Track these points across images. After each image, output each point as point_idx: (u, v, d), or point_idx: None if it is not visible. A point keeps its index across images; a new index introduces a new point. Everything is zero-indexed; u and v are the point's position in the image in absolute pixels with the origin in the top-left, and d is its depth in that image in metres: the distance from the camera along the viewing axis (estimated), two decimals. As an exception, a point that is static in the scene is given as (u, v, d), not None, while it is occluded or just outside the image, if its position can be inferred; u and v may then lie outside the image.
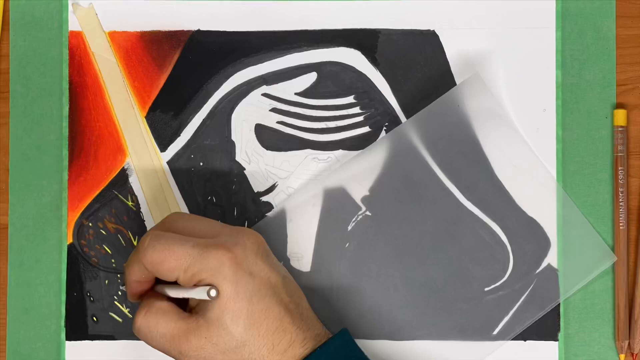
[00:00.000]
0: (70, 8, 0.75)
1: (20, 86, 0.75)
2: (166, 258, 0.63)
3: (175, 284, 0.65)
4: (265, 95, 0.75)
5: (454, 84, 0.75)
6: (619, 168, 0.73)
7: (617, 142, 0.73)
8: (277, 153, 0.75)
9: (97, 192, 0.75)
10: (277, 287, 0.64)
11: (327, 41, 0.75)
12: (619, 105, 0.74)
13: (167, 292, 0.66)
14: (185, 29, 0.75)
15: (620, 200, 0.73)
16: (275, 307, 0.63)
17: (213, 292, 0.61)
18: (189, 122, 0.75)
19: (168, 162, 0.75)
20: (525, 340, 0.73)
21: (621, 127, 0.73)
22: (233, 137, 0.75)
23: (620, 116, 0.73)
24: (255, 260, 0.64)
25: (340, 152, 0.75)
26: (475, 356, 0.73)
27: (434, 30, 0.75)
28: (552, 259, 0.74)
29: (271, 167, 0.75)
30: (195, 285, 0.63)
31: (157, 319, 0.64)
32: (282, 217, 0.74)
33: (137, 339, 0.73)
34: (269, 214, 0.74)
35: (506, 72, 0.75)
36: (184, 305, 0.66)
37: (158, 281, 0.67)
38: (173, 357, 0.65)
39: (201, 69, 0.75)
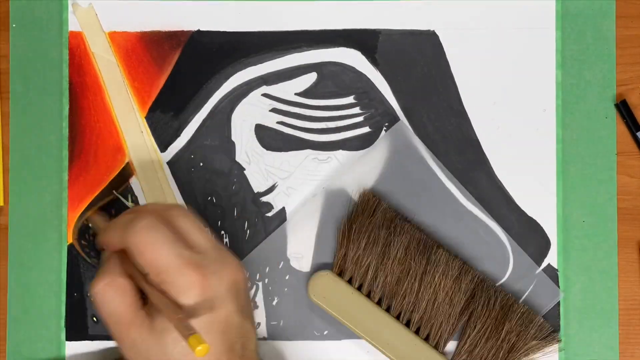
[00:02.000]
0: (70, 8, 0.75)
1: (20, 86, 0.75)
2: (148, 252, 0.62)
3: None
4: (265, 95, 0.75)
5: (454, 84, 0.75)
6: None
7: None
8: (277, 153, 0.75)
9: (97, 192, 0.75)
10: (231, 327, 0.63)
11: (327, 41, 0.75)
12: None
13: (144, 286, 0.64)
14: (185, 29, 0.75)
15: None
16: (219, 345, 0.62)
17: (200, 349, 0.59)
18: (189, 122, 0.75)
19: (168, 162, 0.75)
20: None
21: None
22: (233, 137, 0.75)
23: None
24: (224, 296, 0.63)
25: (340, 152, 0.75)
26: (475, 356, 0.73)
27: (434, 31, 0.75)
28: (552, 259, 0.74)
29: (271, 167, 0.75)
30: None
31: (114, 296, 0.63)
32: (282, 217, 0.74)
33: (137, 339, 0.73)
34: (268, 214, 0.74)
35: (506, 72, 0.75)
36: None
37: None
38: (112, 335, 0.64)
39: (201, 69, 0.75)
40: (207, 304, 0.62)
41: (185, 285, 0.62)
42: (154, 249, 0.62)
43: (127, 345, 0.63)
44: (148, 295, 0.63)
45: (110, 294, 0.63)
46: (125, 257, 0.65)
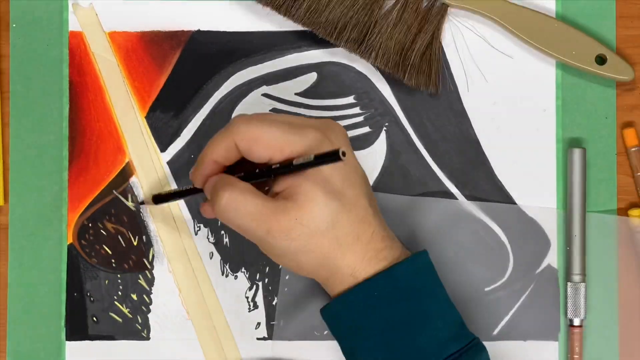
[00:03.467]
0: (70, 8, 0.75)
1: (20, 86, 0.75)
2: (262, 135, 0.61)
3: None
4: (266, 95, 0.75)
5: (454, 84, 0.75)
6: None
7: (634, 163, 0.73)
8: (277, 153, 0.75)
9: (97, 192, 0.75)
10: (363, 177, 0.64)
11: (327, 41, 0.75)
12: (626, 124, 0.74)
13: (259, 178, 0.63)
14: (185, 29, 0.75)
15: None
16: (363, 198, 0.63)
17: (342, 151, 0.57)
18: (189, 122, 0.75)
19: (168, 162, 0.75)
20: (525, 340, 0.73)
21: (635, 147, 0.73)
22: (233, 137, 0.75)
23: (631, 135, 0.73)
24: (347, 147, 0.63)
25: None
26: (475, 356, 0.73)
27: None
28: (552, 259, 0.74)
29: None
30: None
31: (244, 196, 0.61)
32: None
33: (137, 339, 0.73)
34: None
35: (506, 72, 0.75)
36: None
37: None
38: (256, 238, 0.62)
39: (201, 69, 0.75)
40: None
41: (314, 143, 0.61)
42: (267, 129, 0.62)
43: (283, 236, 0.61)
44: (281, 175, 0.62)
45: (241, 197, 0.61)
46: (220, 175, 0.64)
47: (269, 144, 0.62)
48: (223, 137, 0.63)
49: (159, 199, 0.72)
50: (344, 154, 0.57)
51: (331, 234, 0.62)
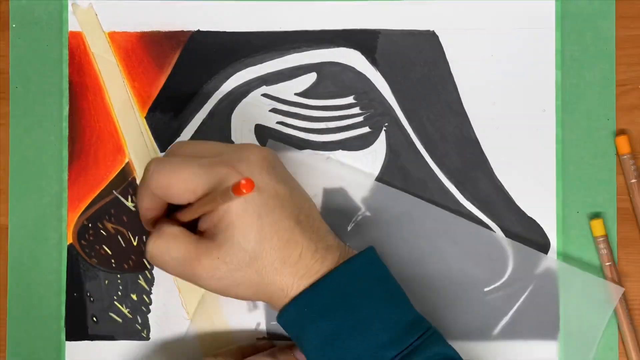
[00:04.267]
0: (70, 8, 0.75)
1: (20, 86, 0.75)
2: (173, 181, 0.63)
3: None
4: (265, 95, 0.75)
5: (454, 84, 0.75)
6: (614, 278, 0.73)
7: (602, 252, 0.73)
8: (277, 153, 0.75)
9: (97, 193, 0.75)
10: (284, 199, 0.64)
11: (327, 41, 0.75)
12: (619, 132, 0.74)
13: (179, 218, 0.66)
14: (185, 29, 0.75)
15: None
16: (285, 220, 0.63)
17: (244, 183, 0.58)
18: (189, 123, 0.75)
19: (168, 162, 0.75)
20: (525, 340, 0.73)
21: (602, 237, 0.73)
22: (233, 138, 0.75)
23: (598, 226, 0.73)
24: (261, 175, 0.63)
25: (340, 152, 0.75)
26: (476, 356, 0.73)
27: (433, 31, 0.75)
28: (552, 259, 0.74)
29: (271, 167, 0.74)
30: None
31: (167, 243, 0.64)
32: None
33: (137, 339, 0.73)
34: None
35: (506, 72, 0.75)
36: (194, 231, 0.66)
37: (173, 209, 0.67)
38: (187, 280, 0.64)
39: (201, 69, 0.75)
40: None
41: (222, 183, 0.62)
42: (176, 174, 0.63)
43: (208, 276, 0.63)
44: (203, 212, 0.63)
45: (164, 244, 0.64)
46: (172, 215, 0.66)
47: (180, 189, 0.63)
48: (142, 188, 0.65)
49: None
50: (248, 181, 0.57)
51: (256, 265, 0.63)
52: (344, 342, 0.62)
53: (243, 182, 0.57)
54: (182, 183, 0.63)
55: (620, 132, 0.74)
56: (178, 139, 0.75)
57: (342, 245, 0.66)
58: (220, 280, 0.63)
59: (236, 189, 0.57)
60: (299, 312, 0.63)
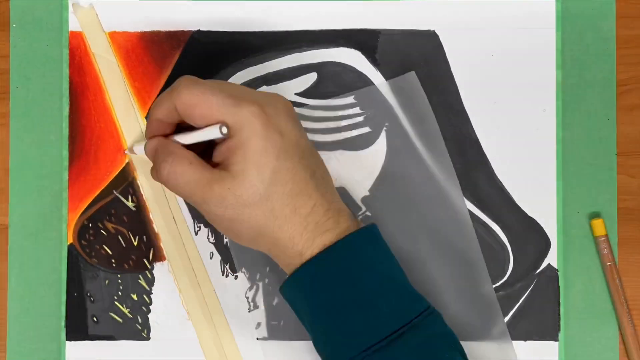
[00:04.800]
0: (70, 8, 0.75)
1: (20, 86, 0.75)
2: (200, 102, 0.63)
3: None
4: (266, 95, 0.75)
5: (454, 84, 0.75)
6: (615, 278, 0.73)
7: (603, 252, 0.73)
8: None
9: (97, 193, 0.75)
10: (305, 151, 0.64)
11: (327, 41, 0.75)
12: (594, 215, 0.74)
13: (181, 141, 0.66)
14: (185, 29, 0.75)
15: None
16: (301, 171, 0.63)
17: (224, 129, 0.61)
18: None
19: (168, 162, 0.75)
20: (525, 340, 0.73)
21: (602, 236, 0.73)
22: (233, 137, 0.75)
23: (599, 226, 0.73)
24: (287, 121, 0.64)
25: (340, 152, 0.75)
26: (476, 356, 0.73)
27: (434, 31, 0.75)
28: (552, 259, 0.74)
29: (271, 167, 0.74)
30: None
31: (183, 167, 0.63)
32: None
33: (137, 339, 0.73)
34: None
35: (506, 72, 0.75)
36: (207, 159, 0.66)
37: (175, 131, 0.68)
38: (195, 204, 0.65)
39: (201, 69, 0.75)
40: (276, 130, 0.62)
41: (248, 118, 0.62)
42: (206, 97, 0.63)
43: (217, 203, 0.63)
44: (205, 139, 0.64)
45: (181, 166, 0.64)
46: (165, 138, 0.66)
47: (204, 113, 0.63)
48: (166, 98, 0.65)
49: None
50: (226, 129, 0.61)
51: (265, 206, 0.63)
52: (347, 314, 0.62)
53: (223, 130, 0.60)
54: (208, 108, 0.63)
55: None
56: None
57: (351, 213, 0.66)
58: (227, 210, 0.63)
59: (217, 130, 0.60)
60: (312, 277, 0.63)
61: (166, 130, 0.67)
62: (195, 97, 0.63)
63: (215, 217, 0.64)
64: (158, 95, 0.75)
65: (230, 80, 0.75)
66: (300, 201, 0.63)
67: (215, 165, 0.65)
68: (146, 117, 0.74)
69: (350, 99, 0.75)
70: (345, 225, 0.64)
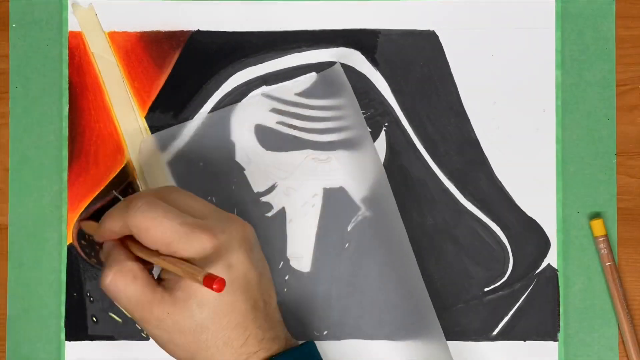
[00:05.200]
0: (70, 8, 0.75)
1: (20, 86, 0.75)
2: (153, 228, 0.63)
3: None
4: (265, 95, 0.75)
5: (454, 84, 0.75)
6: (615, 278, 0.73)
7: (602, 252, 0.73)
8: (277, 153, 0.75)
9: (97, 192, 0.75)
10: (251, 283, 0.64)
11: (327, 41, 0.75)
12: (595, 214, 0.74)
13: (134, 251, 0.65)
14: (185, 29, 0.75)
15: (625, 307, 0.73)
16: (242, 304, 0.63)
17: (200, 278, 0.60)
18: (189, 123, 0.75)
19: (168, 162, 0.75)
20: (525, 341, 0.73)
21: (602, 236, 0.73)
22: (233, 138, 0.75)
23: (599, 226, 0.73)
24: (238, 253, 0.63)
25: (340, 152, 0.75)
26: (475, 356, 0.73)
27: (434, 31, 0.75)
28: (552, 259, 0.74)
29: (271, 168, 0.75)
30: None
31: (126, 282, 0.64)
32: (282, 217, 0.74)
33: (137, 339, 0.73)
34: (268, 214, 0.74)
35: (506, 72, 0.75)
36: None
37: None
38: (134, 319, 0.65)
39: (201, 69, 0.75)
40: (224, 263, 0.62)
41: (199, 248, 0.62)
42: (159, 223, 0.63)
43: (154, 325, 0.63)
44: (164, 267, 0.63)
45: (123, 280, 0.64)
46: (127, 243, 0.66)
47: (156, 238, 0.63)
48: (120, 214, 0.65)
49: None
50: (220, 283, 0.59)
51: (198, 337, 0.63)
52: None
53: (217, 279, 0.59)
54: (160, 233, 0.63)
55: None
56: (178, 139, 0.75)
57: (289, 338, 0.66)
58: (163, 333, 0.63)
59: (207, 282, 0.59)
60: None
61: (117, 237, 0.67)
62: (148, 222, 0.63)
63: (151, 334, 0.64)
64: (156, 99, 0.75)
65: (230, 80, 0.75)
66: (235, 334, 0.63)
67: (160, 278, 0.65)
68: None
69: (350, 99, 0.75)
70: (276, 348, 0.64)
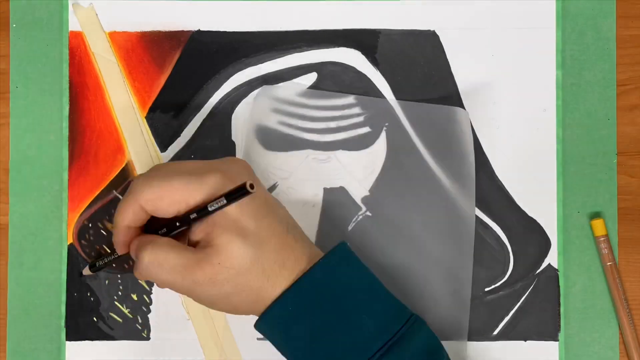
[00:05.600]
0: (70, 8, 0.75)
1: (20, 86, 0.75)
2: (165, 192, 0.62)
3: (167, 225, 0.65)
4: (266, 95, 0.75)
5: (454, 84, 0.75)
6: (615, 278, 0.73)
7: (603, 252, 0.73)
8: (278, 153, 0.75)
9: (97, 192, 0.75)
10: (274, 206, 0.64)
11: (327, 41, 0.75)
12: (595, 214, 0.74)
13: (174, 230, 0.64)
14: (185, 29, 0.75)
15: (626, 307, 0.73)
16: (278, 225, 0.63)
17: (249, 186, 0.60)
18: (189, 122, 0.75)
19: (168, 162, 0.75)
20: (525, 340, 0.73)
21: (602, 236, 0.73)
22: (233, 137, 0.75)
23: (599, 226, 0.73)
24: (252, 180, 0.63)
25: (340, 152, 0.75)
26: (476, 356, 0.73)
27: (434, 31, 0.75)
28: (552, 259, 0.74)
29: (271, 167, 0.75)
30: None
31: (166, 252, 0.62)
32: (282, 217, 0.74)
33: (137, 339, 0.73)
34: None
35: (506, 72, 0.75)
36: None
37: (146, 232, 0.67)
38: (185, 290, 0.63)
39: (201, 69, 0.75)
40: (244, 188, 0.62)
41: (215, 187, 0.62)
42: (168, 185, 0.62)
43: (208, 283, 0.62)
44: (195, 224, 0.63)
45: (162, 253, 0.62)
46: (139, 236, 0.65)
47: (172, 200, 0.62)
48: (128, 202, 0.64)
49: (95, 267, 0.72)
50: (252, 186, 0.59)
51: (256, 268, 0.62)
52: (331, 337, 0.62)
53: (243, 183, 0.58)
54: (174, 193, 0.62)
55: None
56: (178, 139, 0.75)
57: (319, 251, 0.66)
58: (222, 287, 0.62)
59: (241, 190, 0.58)
60: (282, 313, 0.63)
61: (133, 235, 0.65)
62: (158, 189, 0.62)
63: (210, 297, 0.63)
64: (156, 99, 0.75)
65: (230, 80, 0.75)
66: (285, 255, 0.63)
67: (193, 246, 0.64)
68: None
69: (350, 99, 0.75)
70: (315, 256, 0.64)
